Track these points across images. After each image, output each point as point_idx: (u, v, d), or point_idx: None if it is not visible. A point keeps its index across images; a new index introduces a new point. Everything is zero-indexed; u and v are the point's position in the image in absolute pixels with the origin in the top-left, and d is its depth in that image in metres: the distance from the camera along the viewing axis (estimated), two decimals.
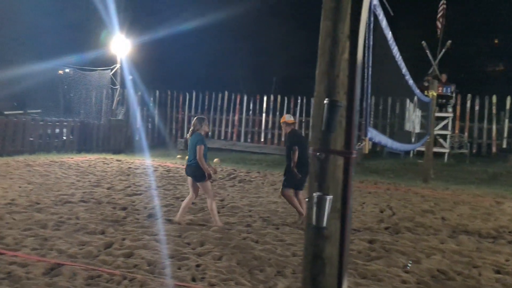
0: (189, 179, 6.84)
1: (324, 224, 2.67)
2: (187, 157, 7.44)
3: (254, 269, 4.93)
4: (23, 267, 4.57)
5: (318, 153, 2.75)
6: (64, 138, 16.58)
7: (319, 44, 2.80)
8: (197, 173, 6.61)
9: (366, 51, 2.99)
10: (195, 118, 7.03)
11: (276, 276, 4.79)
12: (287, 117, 7.52)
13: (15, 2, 22.02)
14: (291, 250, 5.67)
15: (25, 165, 12.07)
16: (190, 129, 6.89)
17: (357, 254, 5.66)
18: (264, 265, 5.06)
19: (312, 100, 16.86)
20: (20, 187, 8.99)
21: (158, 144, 20.22)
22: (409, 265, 4.43)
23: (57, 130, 16.45)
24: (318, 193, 2.69)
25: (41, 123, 15.80)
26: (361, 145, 3.13)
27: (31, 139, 15.27)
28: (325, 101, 2.70)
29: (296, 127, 7.32)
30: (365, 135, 3.29)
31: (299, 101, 19.32)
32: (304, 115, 19.24)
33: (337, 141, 2.73)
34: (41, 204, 7.55)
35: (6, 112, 19.02)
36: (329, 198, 2.68)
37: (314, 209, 2.68)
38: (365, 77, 3.06)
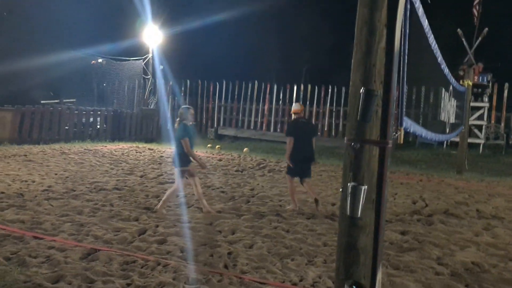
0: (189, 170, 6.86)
1: (359, 214, 2.65)
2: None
3: (285, 258, 4.96)
4: (61, 252, 4.71)
5: (352, 143, 2.72)
6: (98, 127, 16.94)
7: (355, 32, 2.76)
8: (178, 159, 6.72)
9: (402, 39, 2.94)
10: (181, 107, 7.11)
11: (307, 265, 4.79)
12: (293, 107, 7.63)
13: None
14: (322, 240, 5.66)
15: (61, 153, 12.40)
16: (177, 119, 6.95)
17: (390, 245, 5.61)
18: (295, 254, 5.08)
19: (343, 89, 16.68)
20: (56, 174, 9.25)
21: None
22: None
23: (91, 119, 16.81)
24: (352, 183, 2.67)
25: (76, 112, 16.17)
26: (396, 135, 3.07)
27: (67, 127, 15.67)
28: (361, 91, 2.66)
29: (304, 115, 7.43)
30: (400, 124, 3.24)
31: (329, 90, 19.13)
32: (335, 104, 19.05)
33: (373, 131, 2.70)
34: (76, 191, 7.76)
35: (42, 101, 19.57)
36: (364, 188, 2.66)
37: (349, 199, 2.66)
38: (401, 66, 3.01)
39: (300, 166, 7.26)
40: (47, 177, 8.85)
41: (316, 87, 19.39)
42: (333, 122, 19.05)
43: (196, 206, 7.16)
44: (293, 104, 7.77)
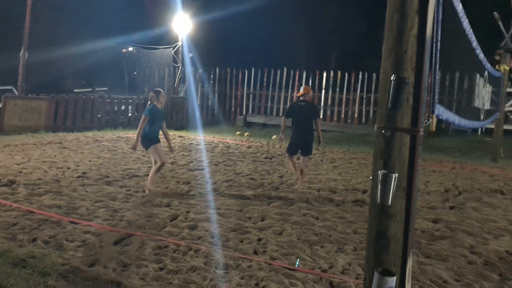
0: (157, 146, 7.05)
1: (389, 202, 2.64)
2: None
3: (315, 245, 4.98)
4: (96, 236, 4.87)
5: (383, 131, 2.71)
6: (130, 114, 17.23)
7: (386, 19, 2.72)
8: (144, 142, 7.02)
9: (435, 26, 2.88)
10: (152, 90, 7.36)
11: (336, 252, 4.81)
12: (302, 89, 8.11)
13: None
14: (352, 228, 5.66)
15: (94, 141, 12.70)
16: (148, 102, 7.22)
17: (421, 234, 5.56)
18: (324, 241, 5.10)
19: (374, 76, 16.40)
20: (90, 161, 9.49)
21: (217, 120, 20.54)
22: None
23: (123, 107, 17.10)
24: (383, 171, 2.66)
25: (108, 100, 16.48)
26: (428, 122, 3.02)
27: (99, 115, 16.00)
28: (391, 78, 2.64)
29: (310, 98, 8.17)
30: (432, 112, 3.19)
31: (360, 76, 18.86)
32: (365, 91, 18.78)
33: (404, 119, 2.68)
34: (110, 178, 7.96)
35: (75, 90, 20.02)
36: (394, 176, 2.65)
37: (379, 187, 2.66)
38: (434, 52, 2.95)
39: (298, 145, 7.83)
40: (82, 164, 9.09)
41: (346, 74, 19.13)
42: (364, 109, 18.80)
43: (226, 193, 7.24)
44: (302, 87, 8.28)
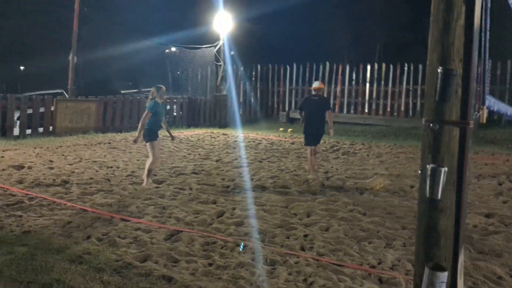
0: (155, 143, 7.36)
1: (439, 196, 2.60)
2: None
3: (363, 241, 4.94)
4: (147, 233, 5.01)
5: (431, 124, 2.66)
6: (174, 114, 17.57)
7: (432, 10, 2.67)
8: (146, 134, 7.33)
9: (484, 14, 2.79)
10: (154, 86, 7.56)
11: (385, 248, 4.75)
12: (314, 84, 8.83)
13: None
14: (401, 223, 5.56)
15: (141, 140, 13.01)
16: (149, 97, 7.49)
17: (473, 228, 5.40)
18: (372, 237, 5.04)
19: (420, 67, 15.96)
20: (138, 160, 9.76)
21: (260, 117, 20.61)
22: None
23: (168, 107, 17.45)
24: (432, 165, 2.61)
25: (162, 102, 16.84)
26: (478, 114, 2.92)
27: None
28: (438, 70, 2.58)
29: (324, 93, 9.06)
30: (482, 103, 3.09)
31: (405, 68, 18.41)
32: (411, 83, 18.32)
33: (452, 111, 2.62)
34: (157, 176, 8.15)
35: (122, 91, 20.61)
36: (443, 170, 2.60)
37: (428, 181, 2.61)
38: (483, 42, 2.86)
39: (312, 136, 8.41)
40: (130, 163, 9.36)
41: (391, 65, 18.73)
42: (410, 101, 18.35)
43: (271, 189, 7.28)
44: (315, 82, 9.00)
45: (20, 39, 21.40)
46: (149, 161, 7.38)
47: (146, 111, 7.35)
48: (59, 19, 20.82)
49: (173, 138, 8.12)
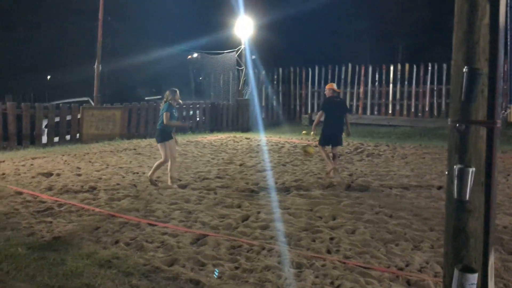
0: (167, 144, 7.75)
1: (467, 197, 2.56)
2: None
3: (389, 243, 4.89)
4: (174, 237, 5.08)
5: (457, 124, 2.63)
6: (197, 119, 17.71)
7: (455, 10, 2.64)
8: (158, 135, 7.75)
9: (509, 13, 2.75)
10: (168, 90, 7.90)
11: (413, 250, 4.70)
12: (334, 86, 8.99)
13: None
14: (428, 225, 5.49)
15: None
16: (163, 100, 7.87)
17: (503, 229, 5.30)
18: (399, 239, 5.00)
19: (444, 66, 15.67)
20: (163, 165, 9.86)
21: (282, 121, 20.61)
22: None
23: (191, 112, 17.62)
24: (459, 166, 2.58)
25: (177, 106, 17.01)
26: (505, 113, 2.91)
27: None
28: (464, 70, 2.56)
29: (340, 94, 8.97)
30: (509, 102, 3.05)
31: (429, 68, 18.15)
32: (435, 82, 18.04)
33: (479, 111, 2.58)
34: (183, 181, 8.24)
35: (146, 98, 20.89)
36: (471, 170, 2.56)
37: (455, 182, 2.58)
38: (509, 40, 2.82)
39: (330, 136, 8.53)
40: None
41: (415, 66, 18.50)
42: (435, 101, 18.07)
43: (295, 193, 7.27)
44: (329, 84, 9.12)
45: (47, 49, 21.95)
46: (159, 161, 7.81)
47: (165, 112, 7.66)
48: (85, 29, 21.28)
49: (177, 142, 8.29)
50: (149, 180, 7.85)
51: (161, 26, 24.66)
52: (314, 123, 8.83)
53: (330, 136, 8.53)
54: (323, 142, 8.63)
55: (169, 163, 7.77)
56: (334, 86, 8.96)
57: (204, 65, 21.46)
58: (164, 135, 7.71)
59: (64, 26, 21.94)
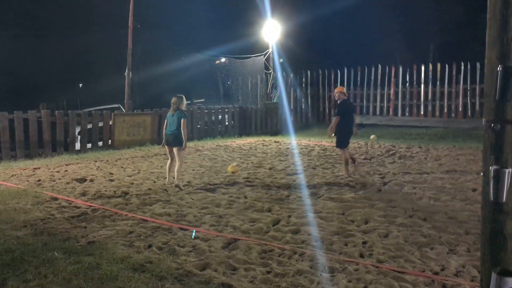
0: (168, 148, 8.42)
1: (504, 199, 2.48)
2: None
3: (424, 247, 4.80)
4: (205, 241, 5.11)
5: (492, 125, 2.56)
6: (226, 123, 17.81)
7: (488, 6, 2.57)
8: (178, 140, 8.18)
9: None
10: (176, 96, 8.38)
11: (448, 254, 4.59)
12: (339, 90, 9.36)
13: (175, 3, 24.14)
14: (464, 228, 5.36)
15: (196, 150, 13.31)
16: (174, 106, 8.33)
17: None
18: (434, 243, 4.89)
19: (478, 65, 15.29)
20: (193, 170, 9.96)
21: (311, 124, 20.52)
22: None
23: (220, 117, 17.73)
24: (495, 167, 2.51)
25: (206, 111, 17.19)
26: None
27: (198, 126, 16.74)
28: (498, 68, 2.48)
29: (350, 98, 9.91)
30: None
31: (462, 67, 17.74)
32: (469, 82, 17.61)
33: None
34: (212, 185, 8.29)
35: None
36: (508, 171, 2.49)
37: (492, 183, 2.51)
38: None
39: (348, 138, 9.10)
40: (186, 173, 9.57)
41: (447, 65, 18.11)
42: (469, 101, 17.63)
43: (327, 196, 7.21)
44: (339, 88, 9.55)
45: (79, 57, 22.52)
46: (178, 164, 8.25)
47: (184, 119, 8.23)
48: (116, 37, 21.75)
49: (185, 146, 8.48)
50: (176, 186, 8.13)
51: (190, 33, 24.95)
52: (331, 126, 8.97)
53: (349, 137, 9.07)
54: (346, 144, 9.03)
55: (170, 162, 8.51)
56: (344, 89, 9.40)
57: (232, 69, 21.59)
58: (181, 140, 8.18)
59: (95, 35, 22.47)
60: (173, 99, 8.36)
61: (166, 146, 8.49)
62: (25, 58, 19.30)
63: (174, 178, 8.26)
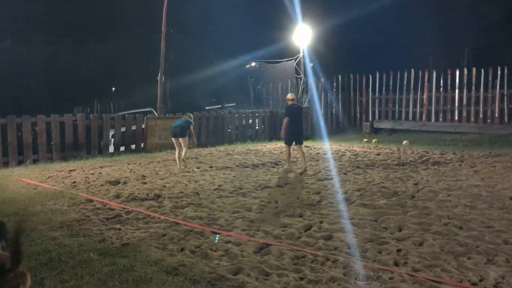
0: (174, 139, 10.91)
1: None
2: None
3: (461, 256, 4.67)
4: (237, 246, 5.11)
5: None
6: (257, 127, 17.83)
7: None
8: (183, 132, 10.71)
9: None
10: (185, 114, 11.85)
11: (486, 264, 4.46)
12: (289, 95, 11.07)
13: (207, 9, 24.39)
14: (502, 237, 5.19)
15: (226, 154, 13.37)
16: (184, 115, 11.76)
17: None
18: (471, 252, 4.75)
19: None
20: (224, 174, 10.00)
21: (343, 128, 20.33)
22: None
23: (250, 121, 17.76)
24: None
25: (236, 115, 17.25)
26: None
27: (229, 130, 16.82)
28: None
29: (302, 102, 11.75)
30: None
31: (498, 71, 17.23)
32: (505, 87, 17.08)
33: None
34: (243, 189, 8.30)
35: (207, 108, 21.30)
36: None
37: None
38: None
39: (294, 137, 10.49)
40: (217, 177, 9.62)
41: (482, 70, 17.65)
42: (505, 106, 17.11)
43: (359, 202, 7.12)
44: (288, 94, 11.18)
45: (113, 62, 22.98)
46: (185, 149, 10.84)
47: (192, 126, 11.02)
48: (149, 42, 22.12)
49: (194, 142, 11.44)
50: (183, 162, 10.86)
51: (221, 38, 25.14)
52: (283, 127, 10.51)
53: (293, 137, 10.47)
54: (287, 141, 10.59)
55: (179, 151, 10.82)
56: (290, 96, 10.91)
57: (262, 74, 21.62)
58: (185, 132, 10.76)
59: (129, 40, 22.90)
60: (185, 114, 11.82)
61: (173, 139, 10.91)
62: (61, 63, 19.84)
63: (184, 166, 10.75)
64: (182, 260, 4.61)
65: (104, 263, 4.55)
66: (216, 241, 5.14)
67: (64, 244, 5.14)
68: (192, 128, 10.95)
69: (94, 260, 4.62)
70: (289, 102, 10.78)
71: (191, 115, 11.61)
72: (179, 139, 10.73)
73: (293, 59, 19.70)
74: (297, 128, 10.62)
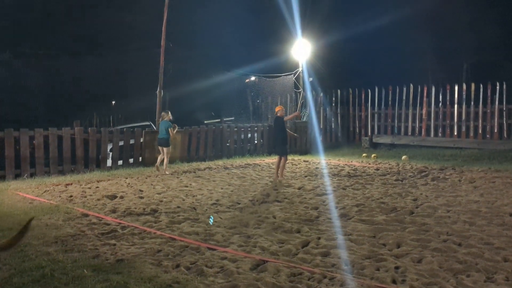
0: (160, 147, 12.46)
1: None
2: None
3: (460, 274, 4.60)
4: (233, 262, 5.03)
5: None
6: (255, 142, 17.80)
7: None
8: (166, 142, 12.32)
9: None
10: (164, 112, 12.83)
11: (485, 282, 4.38)
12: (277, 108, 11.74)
13: (206, 22, 24.54)
14: (501, 255, 5.12)
15: (224, 168, 13.31)
16: (160, 118, 12.80)
17: None
18: (470, 269, 4.68)
19: None
20: (222, 188, 9.94)
21: (341, 143, 20.30)
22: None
23: (249, 135, 17.74)
24: None
25: (235, 129, 17.23)
26: None
27: (228, 144, 16.78)
28: None
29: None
30: None
31: (497, 87, 17.26)
32: (504, 102, 17.09)
33: None
34: (241, 204, 8.23)
35: (205, 121, 21.32)
36: None
37: None
38: None
39: (275, 145, 12.06)
40: (214, 191, 9.55)
41: (481, 85, 17.67)
42: (504, 122, 17.09)
43: (357, 218, 7.05)
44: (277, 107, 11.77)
45: (111, 76, 23.07)
46: (166, 158, 12.34)
47: (171, 128, 12.31)
48: (148, 56, 22.22)
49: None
50: (163, 173, 12.14)
51: (220, 52, 25.26)
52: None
53: (275, 144, 12.01)
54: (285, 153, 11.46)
55: (161, 156, 12.43)
56: (278, 108, 11.60)
57: (261, 88, 21.66)
58: (168, 142, 12.36)
59: (128, 53, 23.03)
60: (162, 113, 12.75)
61: (159, 147, 12.53)
62: (60, 77, 19.92)
63: (163, 168, 12.27)
64: (176, 277, 4.53)
65: (97, 280, 4.48)
66: (211, 223, 5.20)
67: (58, 260, 5.07)
68: (171, 128, 12.34)
69: (88, 277, 4.54)
70: (276, 114, 11.51)
71: (169, 112, 12.57)
72: (163, 148, 12.36)
73: (292, 73, 19.75)
74: (275, 139, 11.82)
